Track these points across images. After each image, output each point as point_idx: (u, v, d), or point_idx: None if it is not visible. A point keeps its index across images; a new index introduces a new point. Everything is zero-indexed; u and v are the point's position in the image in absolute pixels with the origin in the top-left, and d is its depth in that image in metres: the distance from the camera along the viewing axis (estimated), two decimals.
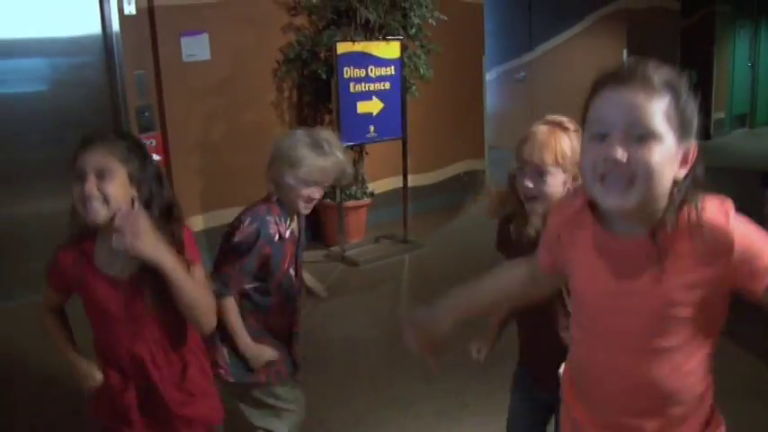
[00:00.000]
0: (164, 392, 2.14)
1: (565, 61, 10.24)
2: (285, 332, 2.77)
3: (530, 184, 2.13)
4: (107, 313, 2.09)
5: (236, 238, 2.54)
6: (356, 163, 6.30)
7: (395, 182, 6.76)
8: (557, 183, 2.11)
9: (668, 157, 1.33)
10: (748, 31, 13.06)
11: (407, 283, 5.58)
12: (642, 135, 1.31)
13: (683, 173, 1.37)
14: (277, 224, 2.58)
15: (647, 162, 1.31)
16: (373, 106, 5.97)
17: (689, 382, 1.49)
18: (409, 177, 6.44)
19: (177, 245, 2.06)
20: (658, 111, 1.33)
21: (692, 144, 1.38)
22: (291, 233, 2.66)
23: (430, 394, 3.79)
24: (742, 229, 1.36)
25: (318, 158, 2.57)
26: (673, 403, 1.49)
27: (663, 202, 1.38)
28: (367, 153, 6.39)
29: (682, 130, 1.35)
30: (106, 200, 1.98)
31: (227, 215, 6.01)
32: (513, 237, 2.25)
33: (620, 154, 1.32)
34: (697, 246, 1.36)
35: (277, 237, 2.58)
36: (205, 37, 5.74)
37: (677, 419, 1.51)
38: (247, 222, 2.55)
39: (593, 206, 1.49)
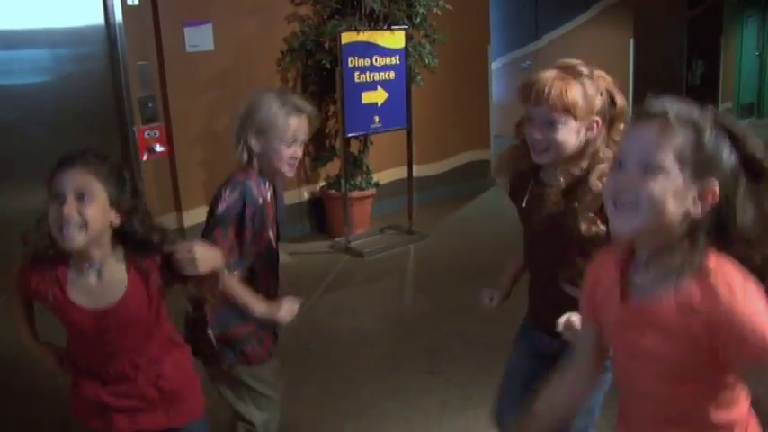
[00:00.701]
0: (140, 394, 2.14)
1: (571, 51, 10.09)
2: (270, 300, 2.65)
3: (538, 135, 2.04)
4: (80, 334, 2.08)
5: (220, 209, 2.46)
6: (361, 153, 6.27)
7: (400, 172, 6.73)
8: (568, 132, 2.01)
9: (672, 191, 1.39)
10: (756, 21, 12.99)
11: (412, 274, 5.55)
12: (649, 167, 1.39)
13: (698, 210, 1.40)
14: (258, 187, 2.52)
15: (649, 192, 1.39)
16: (378, 96, 5.93)
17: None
18: (414, 168, 6.41)
19: (151, 272, 2.06)
20: (669, 147, 1.39)
21: (714, 183, 1.40)
22: (270, 197, 2.60)
23: (435, 386, 3.78)
24: (739, 309, 1.37)
25: (295, 117, 2.53)
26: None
27: (674, 235, 1.42)
28: (371, 143, 6.35)
29: (698, 168, 1.39)
30: (84, 224, 1.92)
31: None
32: (529, 192, 2.19)
33: (629, 181, 1.41)
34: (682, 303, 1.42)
35: (260, 200, 2.51)
36: (209, 27, 5.71)
37: None
38: (228, 192, 2.48)
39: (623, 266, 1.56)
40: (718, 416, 1.50)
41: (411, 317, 4.56)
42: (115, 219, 2.00)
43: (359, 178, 6.26)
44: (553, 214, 2.09)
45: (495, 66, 9.27)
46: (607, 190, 1.50)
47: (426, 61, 6.26)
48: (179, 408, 2.22)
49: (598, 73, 2.08)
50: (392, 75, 5.98)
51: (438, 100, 7.13)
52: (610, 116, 2.08)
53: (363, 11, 5.90)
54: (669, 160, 1.38)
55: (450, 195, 7.46)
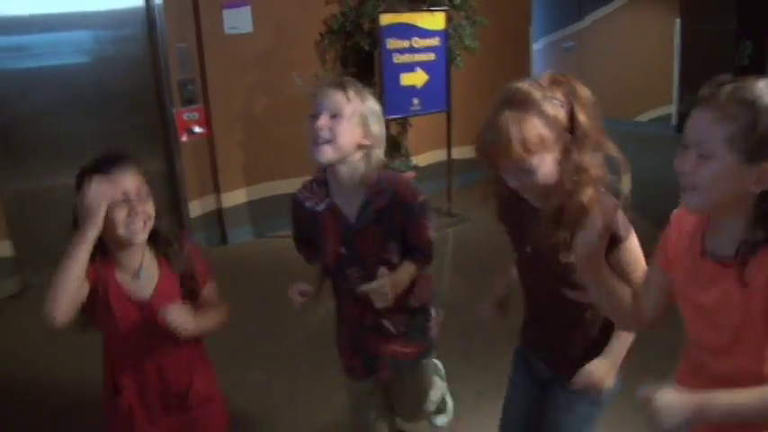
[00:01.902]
0: (172, 399, 2.27)
1: (615, 31, 10.01)
2: (354, 325, 2.56)
3: (516, 183, 1.90)
4: (127, 327, 2.16)
5: (421, 199, 2.40)
6: (400, 135, 6.22)
7: (439, 154, 6.67)
8: (545, 168, 1.82)
9: (723, 175, 1.47)
10: None
11: (451, 258, 5.51)
12: (701, 153, 1.48)
13: (758, 189, 1.48)
14: (310, 191, 2.43)
15: (702, 176, 1.49)
16: (417, 78, 5.87)
17: None
18: (453, 150, 6.34)
19: (187, 267, 2.26)
20: (720, 133, 1.45)
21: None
22: (331, 206, 2.39)
23: (471, 373, 3.74)
24: None
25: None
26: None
27: (735, 213, 1.52)
28: (410, 125, 6.30)
29: (751, 153, 1.44)
30: (148, 219, 2.14)
31: (269, 188, 6.03)
32: (518, 215, 2.05)
33: (686, 166, 1.51)
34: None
35: (310, 204, 2.42)
36: (247, 9, 5.70)
37: None
38: (411, 184, 2.45)
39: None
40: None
41: (449, 301, 4.50)
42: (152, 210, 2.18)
43: (398, 161, 6.21)
44: (544, 236, 1.90)
45: (536, 46, 9.16)
46: (675, 169, 1.55)
47: (466, 43, 6.17)
48: (206, 422, 2.35)
49: (551, 81, 1.86)
50: (431, 56, 5.90)
51: (477, 81, 7.02)
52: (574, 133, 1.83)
53: None
54: (719, 147, 1.45)
55: None
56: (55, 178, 5.07)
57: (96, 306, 2.13)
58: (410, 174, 5.80)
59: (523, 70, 7.84)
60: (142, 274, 2.18)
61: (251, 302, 4.53)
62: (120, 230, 2.08)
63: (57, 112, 5.26)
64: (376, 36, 5.66)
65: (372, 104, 2.31)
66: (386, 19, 5.62)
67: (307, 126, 2.28)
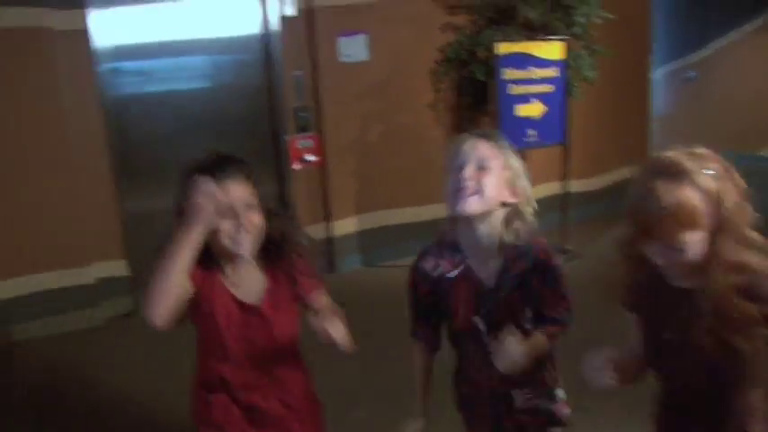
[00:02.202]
0: (269, 408, 2.20)
1: (740, 60, 9.60)
2: (479, 392, 2.37)
3: (662, 260, 1.75)
4: (227, 327, 2.11)
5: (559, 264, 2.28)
6: None
7: (553, 187, 6.49)
8: (695, 246, 1.68)
9: None
10: None
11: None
12: None
13: None
14: (437, 256, 2.24)
15: None
16: (533, 109, 5.73)
17: None
18: (569, 183, 6.16)
19: (295, 274, 2.18)
20: None
21: None
22: (465, 271, 2.22)
23: (587, 424, 3.55)
24: None
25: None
26: None
27: None
28: (525, 157, 6.13)
29: None
30: (252, 230, 2.06)
31: (380, 217, 5.98)
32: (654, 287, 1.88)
33: None
34: None
35: (438, 272, 2.24)
36: (363, 37, 5.69)
37: None
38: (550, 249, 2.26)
39: None
40: None
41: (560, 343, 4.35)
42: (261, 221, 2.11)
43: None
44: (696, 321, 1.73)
45: (655, 75, 8.86)
46: None
47: (585, 73, 5.99)
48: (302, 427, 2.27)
49: (699, 154, 1.73)
50: (548, 87, 5.75)
51: (594, 112, 6.83)
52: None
53: (520, 20, 5.72)
54: None
55: (606, 213, 7.12)
56: (170, 201, 5.14)
57: (198, 307, 2.09)
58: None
59: (642, 101, 7.61)
60: (250, 279, 2.14)
61: (356, 335, 4.45)
62: (226, 242, 2.04)
63: (175, 136, 5.40)
64: (492, 65, 5.55)
65: (518, 161, 2.17)
66: (502, 48, 5.51)
67: (446, 179, 2.13)
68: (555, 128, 5.83)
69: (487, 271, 2.19)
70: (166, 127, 5.40)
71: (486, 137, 2.16)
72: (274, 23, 5.48)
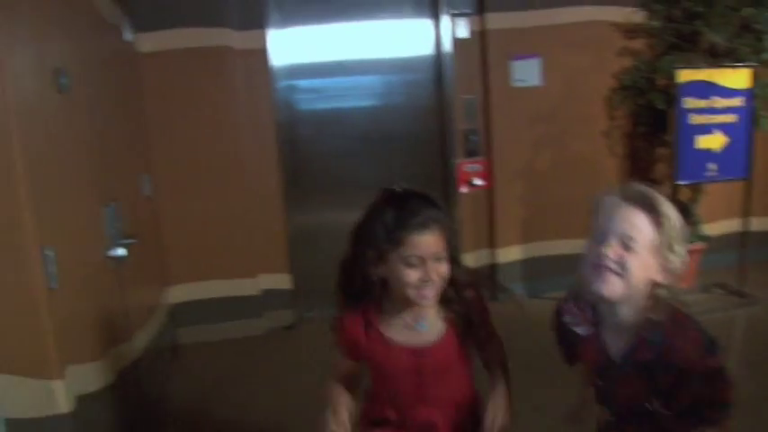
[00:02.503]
0: None
1: None
2: None
3: None
4: (396, 376, 2.10)
5: None
6: (691, 202, 5.77)
7: (732, 225, 6.11)
8: None
9: None
10: None
11: (737, 344, 4.95)
12: None
13: None
14: (575, 307, 2.10)
15: None
16: (714, 141, 5.41)
17: None
18: (750, 220, 5.77)
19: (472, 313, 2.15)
20: None
21: None
22: (595, 336, 2.05)
23: None
24: None
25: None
26: None
27: None
28: (704, 192, 5.82)
29: None
30: (439, 281, 2.03)
31: (547, 247, 5.83)
32: None
33: None
34: None
35: (572, 325, 2.10)
36: (536, 61, 5.58)
37: None
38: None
39: None
40: None
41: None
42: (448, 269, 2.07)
43: (687, 229, 5.74)
44: None
45: None
46: None
47: None
48: None
49: None
50: (732, 117, 5.42)
51: None
52: None
53: (704, 46, 5.44)
54: None
55: None
56: (335, 217, 5.29)
57: (367, 360, 2.14)
58: (697, 248, 5.34)
59: None
60: (424, 325, 2.12)
61: (514, 368, 4.33)
62: (410, 292, 2.01)
63: (343, 154, 5.54)
64: (672, 94, 5.30)
65: (677, 226, 1.89)
66: (684, 75, 5.24)
67: (585, 245, 1.93)
68: (737, 161, 5.48)
69: (618, 344, 1.98)
70: (335, 144, 5.53)
71: (639, 202, 1.86)
72: (447, 45, 5.48)
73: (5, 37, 2.27)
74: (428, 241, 1.98)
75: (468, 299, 2.13)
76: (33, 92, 2.53)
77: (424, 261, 1.98)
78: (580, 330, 2.06)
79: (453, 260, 2.07)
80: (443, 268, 2.03)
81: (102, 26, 3.94)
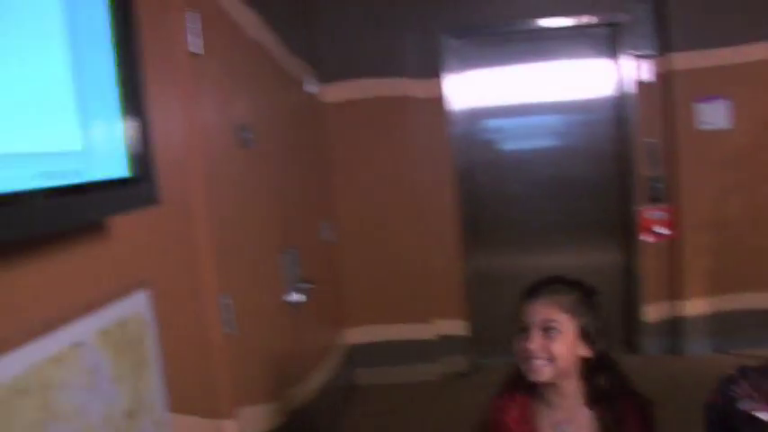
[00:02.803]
0: None
1: None
2: None
3: None
4: None
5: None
6: None
7: None
8: None
9: None
10: None
11: None
12: None
13: None
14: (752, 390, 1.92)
15: None
16: None
17: None
18: None
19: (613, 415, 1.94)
20: None
21: None
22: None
23: None
24: None
25: None
26: None
27: None
28: None
29: None
30: (551, 358, 1.90)
31: (737, 300, 5.45)
32: None
33: None
34: None
35: (756, 410, 1.87)
36: (724, 103, 5.30)
37: None
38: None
39: None
40: None
41: None
42: (585, 351, 1.94)
43: None
44: None
45: None
46: None
47: None
48: None
49: None
50: None
51: None
52: None
53: None
54: None
55: None
56: (512, 262, 5.25)
57: None
58: None
59: None
60: (570, 410, 1.98)
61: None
62: (521, 365, 1.96)
63: (522, 197, 5.48)
64: None
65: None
66: None
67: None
68: None
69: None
70: (513, 188, 5.48)
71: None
72: (629, 87, 5.33)
73: (193, 96, 2.39)
74: (536, 308, 1.94)
75: (617, 408, 1.96)
76: (218, 147, 2.65)
77: (528, 330, 1.93)
78: (763, 416, 1.83)
79: (594, 347, 1.96)
80: (557, 346, 1.91)
81: (285, 80, 4.11)
